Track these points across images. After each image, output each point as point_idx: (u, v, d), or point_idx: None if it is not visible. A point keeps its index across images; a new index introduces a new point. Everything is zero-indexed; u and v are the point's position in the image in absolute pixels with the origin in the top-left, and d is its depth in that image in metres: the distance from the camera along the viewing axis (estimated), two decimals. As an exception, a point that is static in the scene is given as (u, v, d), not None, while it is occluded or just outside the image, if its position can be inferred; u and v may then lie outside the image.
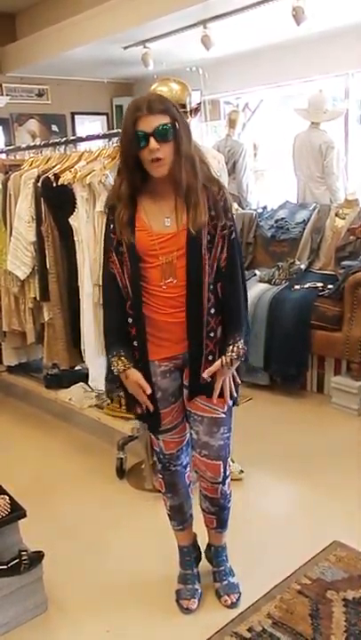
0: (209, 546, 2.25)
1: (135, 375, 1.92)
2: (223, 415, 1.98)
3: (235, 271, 1.89)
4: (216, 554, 2.23)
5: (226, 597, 2.15)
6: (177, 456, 2.10)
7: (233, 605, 2.13)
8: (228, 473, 2.06)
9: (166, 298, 1.86)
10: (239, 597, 2.15)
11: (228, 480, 2.07)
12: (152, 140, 1.70)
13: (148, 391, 1.93)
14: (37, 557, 2.12)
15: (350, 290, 3.66)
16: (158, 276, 1.84)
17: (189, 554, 2.24)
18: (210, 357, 1.90)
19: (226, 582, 2.19)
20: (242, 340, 1.89)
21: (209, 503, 2.10)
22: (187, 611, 2.13)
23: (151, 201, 1.84)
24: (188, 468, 2.17)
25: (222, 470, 2.03)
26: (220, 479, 2.04)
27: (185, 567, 2.23)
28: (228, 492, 2.09)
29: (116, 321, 1.95)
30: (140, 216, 1.84)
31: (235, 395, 1.99)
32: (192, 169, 1.78)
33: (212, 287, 1.86)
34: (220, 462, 2.01)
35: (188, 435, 2.11)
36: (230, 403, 2.00)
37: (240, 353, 1.88)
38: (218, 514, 2.13)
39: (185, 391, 2.00)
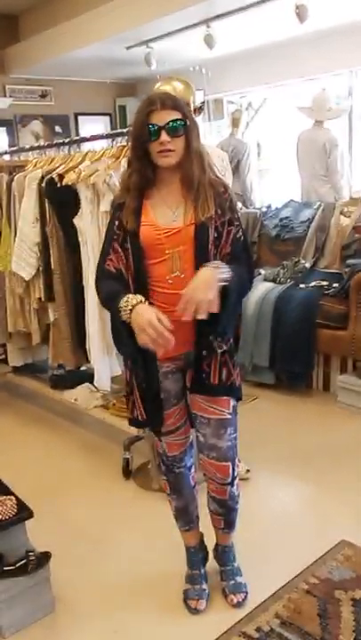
0: (216, 545, 2.25)
1: (147, 308, 1.72)
2: (229, 416, 1.97)
3: (237, 260, 1.86)
4: (223, 553, 2.22)
5: (232, 597, 2.15)
6: (180, 458, 2.09)
7: (239, 605, 2.12)
8: (236, 474, 2.05)
9: (172, 295, 1.84)
10: (245, 597, 2.15)
11: (236, 481, 2.07)
12: (163, 133, 1.75)
13: (167, 323, 1.69)
14: (44, 558, 2.12)
15: (356, 288, 3.65)
16: (165, 271, 1.84)
17: (196, 554, 2.23)
18: (204, 353, 1.90)
19: (233, 582, 2.18)
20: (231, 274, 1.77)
21: (217, 505, 2.10)
22: (195, 611, 2.13)
23: (158, 196, 1.87)
24: (192, 470, 2.16)
25: (231, 471, 2.02)
26: (229, 480, 2.03)
27: (192, 567, 2.23)
28: (236, 494, 2.08)
29: (114, 284, 1.84)
30: (146, 210, 1.86)
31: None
32: (201, 165, 1.84)
33: None
34: (229, 463, 2.01)
35: (191, 436, 2.10)
36: (234, 401, 1.99)
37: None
38: (226, 515, 2.12)
39: (188, 393, 1.99)
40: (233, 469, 2.03)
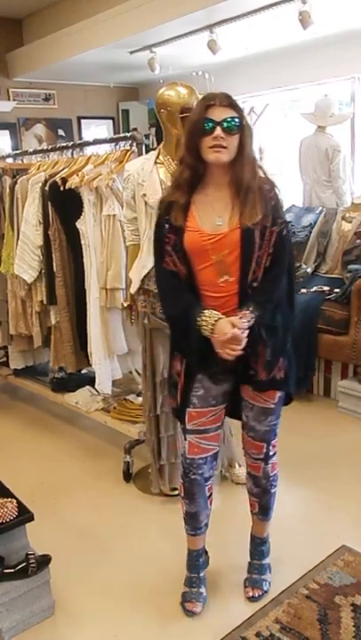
0: (252, 537, 2.27)
1: (226, 324, 1.81)
2: (273, 406, 2.03)
3: (277, 264, 1.89)
4: (257, 547, 2.25)
5: (248, 590, 2.19)
6: (198, 464, 2.06)
7: (252, 599, 2.15)
8: (271, 453, 2.11)
9: (223, 297, 1.87)
10: (262, 594, 2.17)
11: (271, 461, 2.11)
12: (218, 129, 1.77)
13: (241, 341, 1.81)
14: (44, 561, 2.12)
15: (357, 293, 3.66)
16: (214, 275, 1.86)
17: (197, 558, 2.23)
18: (248, 350, 1.88)
19: (256, 576, 2.22)
20: (257, 313, 1.84)
21: (252, 483, 2.15)
22: (190, 613, 2.13)
23: (205, 197, 1.87)
24: (210, 481, 2.12)
25: (265, 450, 2.08)
26: (262, 457, 2.09)
27: (191, 570, 2.22)
28: (271, 474, 2.13)
29: (184, 298, 1.89)
30: (191, 215, 1.87)
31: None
32: (253, 169, 1.85)
33: (255, 284, 1.88)
34: (264, 443, 2.08)
35: (216, 448, 2.09)
36: (281, 393, 2.02)
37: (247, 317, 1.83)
38: (260, 497, 2.16)
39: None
40: (268, 449, 2.09)
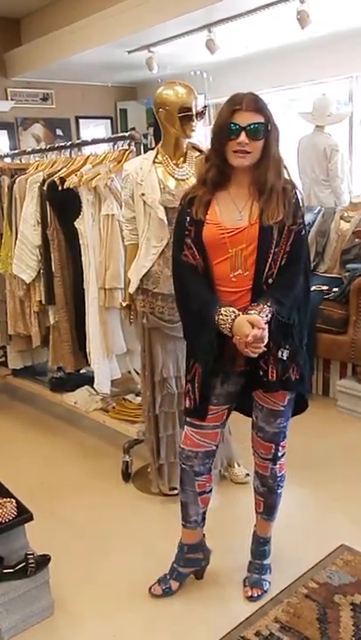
0: (254, 536, 2.27)
1: (245, 322, 1.81)
2: (282, 408, 2.03)
3: (294, 262, 1.90)
4: (258, 546, 2.26)
5: (248, 589, 2.19)
6: (187, 456, 2.09)
7: (251, 599, 2.15)
8: (280, 454, 2.11)
9: (234, 293, 1.89)
10: (262, 594, 2.17)
11: (279, 462, 2.11)
12: (243, 134, 1.79)
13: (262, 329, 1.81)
14: (44, 561, 2.12)
15: (356, 293, 3.66)
16: (228, 269, 1.88)
17: (184, 552, 2.23)
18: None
19: (256, 576, 2.22)
20: (275, 308, 1.85)
21: (259, 482, 2.16)
22: (150, 591, 2.19)
23: (227, 194, 1.90)
24: (201, 478, 2.12)
25: (273, 450, 2.09)
26: (270, 457, 2.10)
27: (175, 560, 2.24)
28: (278, 475, 2.13)
29: (204, 292, 1.90)
30: (212, 209, 1.90)
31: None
32: (277, 170, 1.87)
33: (270, 281, 1.90)
34: (273, 444, 2.08)
35: (210, 446, 2.09)
36: (291, 395, 2.03)
37: (265, 310, 1.83)
38: (266, 496, 2.16)
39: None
40: (276, 450, 2.09)
